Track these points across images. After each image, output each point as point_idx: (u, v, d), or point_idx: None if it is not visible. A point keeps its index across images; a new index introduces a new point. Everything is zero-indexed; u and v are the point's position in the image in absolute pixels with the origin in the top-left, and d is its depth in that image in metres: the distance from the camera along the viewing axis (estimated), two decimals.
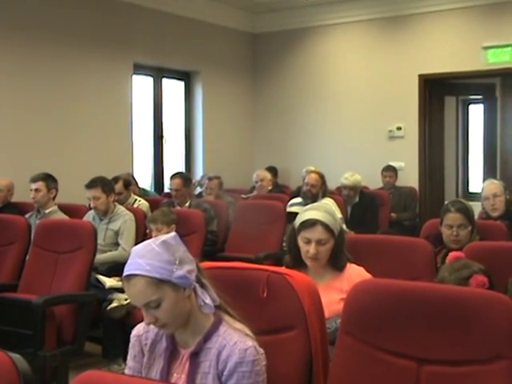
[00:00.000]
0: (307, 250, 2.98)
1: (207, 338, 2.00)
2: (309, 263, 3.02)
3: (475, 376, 1.90)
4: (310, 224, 2.99)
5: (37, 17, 7.02)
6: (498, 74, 8.60)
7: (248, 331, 2.03)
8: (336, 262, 3.03)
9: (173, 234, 2.05)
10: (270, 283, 2.23)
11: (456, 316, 1.96)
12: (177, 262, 1.95)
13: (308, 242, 2.98)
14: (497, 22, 8.23)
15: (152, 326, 2.04)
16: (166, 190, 8.12)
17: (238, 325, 2.04)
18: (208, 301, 2.01)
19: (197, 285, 2.01)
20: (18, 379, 1.33)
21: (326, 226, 2.98)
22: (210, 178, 7.33)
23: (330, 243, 2.99)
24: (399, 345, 2.02)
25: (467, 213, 3.85)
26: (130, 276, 1.94)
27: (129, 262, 1.96)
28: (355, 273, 3.00)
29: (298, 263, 3.05)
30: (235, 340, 1.96)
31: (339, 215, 5.93)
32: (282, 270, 2.36)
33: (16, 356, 1.39)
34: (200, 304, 2.01)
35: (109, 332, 4.74)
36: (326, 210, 3.11)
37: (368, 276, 2.97)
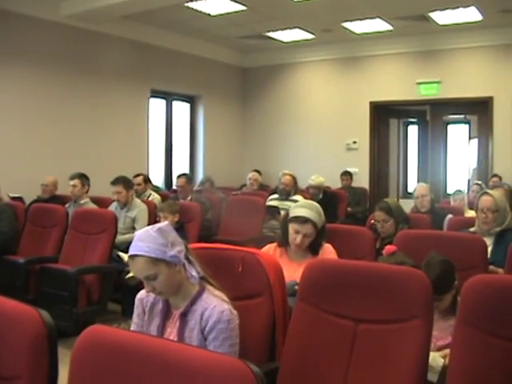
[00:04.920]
0: (295, 238, 2.93)
1: (193, 302, 2.00)
2: (293, 247, 2.98)
3: (398, 332, 1.90)
4: (302, 220, 2.93)
5: (80, 54, 7.05)
6: (428, 103, 8.74)
7: (225, 297, 2.03)
8: (313, 250, 2.98)
9: (166, 222, 2.04)
10: (244, 261, 2.24)
11: (384, 286, 1.97)
12: (169, 245, 1.94)
13: (297, 232, 2.93)
14: (427, 65, 8.36)
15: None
16: (174, 187, 8.09)
17: (218, 292, 2.04)
18: (194, 273, 2.00)
19: (185, 261, 2.01)
20: (44, 329, 1.36)
21: (315, 224, 2.94)
22: (202, 183, 7.33)
23: (313, 236, 2.96)
24: (340, 308, 2.03)
25: (388, 210, 3.79)
26: (133, 256, 1.93)
27: (132, 244, 1.95)
28: (325, 252, 2.98)
29: (286, 242, 3.02)
30: (214, 304, 1.96)
31: None
32: (254, 250, 2.35)
33: (43, 312, 1.40)
34: (188, 276, 2.01)
35: (127, 295, 4.70)
36: (317, 210, 3.02)
37: (333, 251, 2.98)
